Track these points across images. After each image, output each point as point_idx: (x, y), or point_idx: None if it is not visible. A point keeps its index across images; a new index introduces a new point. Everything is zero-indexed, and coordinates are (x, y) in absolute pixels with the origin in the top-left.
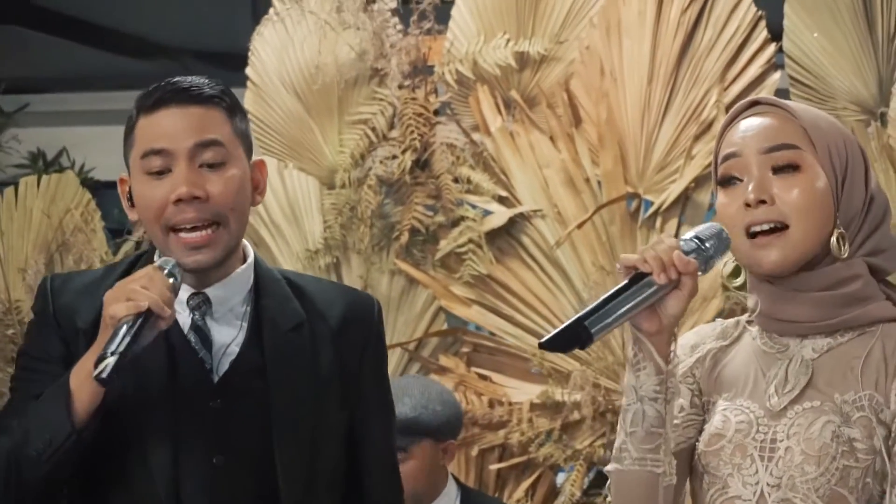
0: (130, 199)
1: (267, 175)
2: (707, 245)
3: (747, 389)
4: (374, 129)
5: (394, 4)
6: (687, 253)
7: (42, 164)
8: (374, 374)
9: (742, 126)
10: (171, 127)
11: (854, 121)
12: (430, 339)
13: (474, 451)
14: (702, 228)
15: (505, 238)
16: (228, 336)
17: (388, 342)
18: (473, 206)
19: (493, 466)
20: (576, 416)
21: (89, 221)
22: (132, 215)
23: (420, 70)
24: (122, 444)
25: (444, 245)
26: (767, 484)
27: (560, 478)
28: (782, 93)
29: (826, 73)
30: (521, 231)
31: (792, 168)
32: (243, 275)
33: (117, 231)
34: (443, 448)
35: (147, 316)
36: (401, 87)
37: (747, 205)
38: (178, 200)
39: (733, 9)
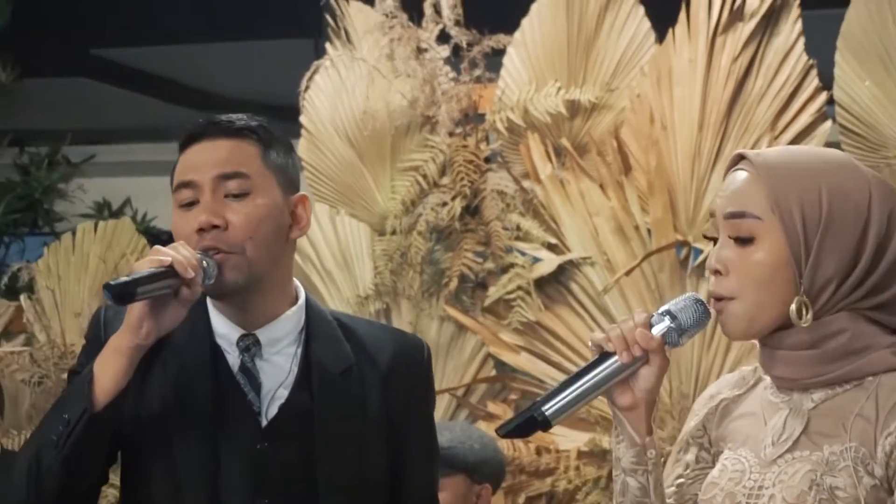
0: None
1: (310, 211)
2: (679, 318)
3: (749, 440)
4: (424, 176)
5: (445, 53)
6: (656, 327)
7: (107, 213)
8: (421, 420)
9: (724, 184)
10: (198, 159)
11: None
12: (478, 386)
13: (521, 499)
14: (677, 300)
15: (554, 285)
16: (277, 379)
17: (436, 387)
18: (523, 253)
19: None
20: None
21: None
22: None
23: (471, 117)
24: (163, 483)
25: (493, 292)
26: None
27: None
28: (833, 144)
29: (877, 121)
30: (570, 278)
31: (746, 240)
32: (293, 316)
33: None
34: (477, 492)
35: (169, 273)
36: (451, 134)
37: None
38: (200, 230)
39: (784, 57)
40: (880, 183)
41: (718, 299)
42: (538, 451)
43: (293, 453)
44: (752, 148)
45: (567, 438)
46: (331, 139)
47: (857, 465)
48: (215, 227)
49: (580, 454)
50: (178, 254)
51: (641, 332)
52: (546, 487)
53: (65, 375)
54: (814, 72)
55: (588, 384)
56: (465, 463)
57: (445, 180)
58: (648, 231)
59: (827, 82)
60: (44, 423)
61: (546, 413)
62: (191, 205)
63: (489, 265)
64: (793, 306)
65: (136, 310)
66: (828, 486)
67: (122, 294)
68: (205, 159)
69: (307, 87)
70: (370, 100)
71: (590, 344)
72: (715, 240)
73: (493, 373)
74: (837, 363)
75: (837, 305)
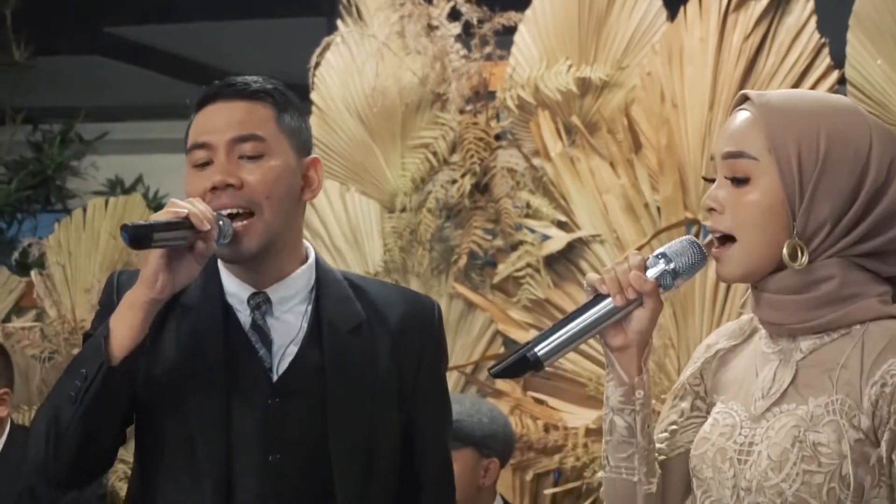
0: None
1: (322, 173)
2: (673, 261)
3: (741, 392)
4: (435, 154)
5: (456, 30)
6: (651, 269)
7: (120, 190)
8: (432, 376)
9: (725, 124)
10: (213, 121)
11: None
12: (486, 363)
13: (529, 476)
14: (672, 243)
15: (563, 262)
16: (288, 336)
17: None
18: (532, 231)
19: (548, 491)
20: None
21: None
22: None
23: (481, 95)
24: (177, 440)
25: (503, 269)
26: (742, 488)
27: None
28: None
29: (889, 100)
30: (580, 256)
31: (742, 180)
32: (303, 275)
33: None
34: (485, 466)
35: (185, 224)
36: (462, 111)
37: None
38: (214, 188)
39: (796, 36)
40: (883, 131)
41: (717, 239)
42: (546, 429)
43: (304, 409)
44: None
45: (575, 416)
46: (341, 116)
47: (842, 419)
48: (230, 185)
49: (588, 431)
50: (195, 207)
51: (636, 275)
52: (554, 464)
53: (75, 351)
54: (825, 50)
55: (580, 326)
56: (473, 436)
57: (455, 158)
58: (658, 209)
59: (839, 61)
60: (61, 381)
61: (538, 354)
62: (205, 165)
63: (498, 242)
64: (785, 248)
65: (151, 264)
66: (811, 443)
67: (138, 236)
68: (220, 120)
69: (318, 64)
70: (381, 77)
71: (584, 285)
72: (714, 181)
73: (502, 350)
74: (824, 309)
75: (829, 251)
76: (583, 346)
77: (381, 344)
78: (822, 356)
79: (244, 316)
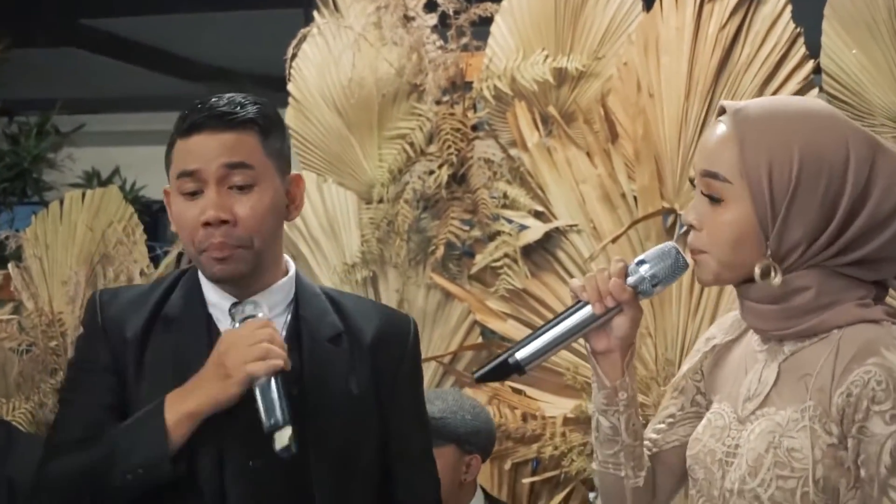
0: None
1: (304, 189)
2: (653, 268)
3: (732, 391)
4: (412, 144)
5: (433, 21)
6: (631, 277)
7: (96, 182)
8: (410, 391)
9: (704, 135)
10: (201, 152)
11: (892, 137)
12: (464, 353)
13: (507, 465)
14: (652, 251)
15: (540, 253)
16: None
17: (423, 355)
18: (509, 221)
19: (526, 480)
20: None
21: (131, 235)
22: (174, 225)
23: (458, 86)
24: None
25: (480, 259)
26: (727, 490)
27: (593, 493)
28: None
29: (864, 89)
30: (557, 246)
31: (716, 199)
32: (284, 287)
33: None
34: (467, 462)
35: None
36: (439, 102)
37: None
38: (207, 224)
39: (771, 26)
40: (860, 140)
41: (693, 251)
42: (524, 418)
43: None
44: None
45: (553, 405)
46: (318, 108)
47: (815, 425)
48: (223, 222)
49: (566, 420)
50: (282, 349)
51: (615, 283)
52: (532, 454)
53: (53, 343)
54: (801, 40)
55: (561, 331)
56: (456, 433)
57: (432, 148)
58: (635, 199)
59: (814, 50)
60: (111, 446)
61: (518, 359)
62: (194, 194)
63: (476, 233)
64: (757, 269)
65: (230, 393)
66: (785, 448)
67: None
68: (208, 152)
69: (294, 56)
70: (357, 68)
71: (569, 290)
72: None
73: (480, 340)
74: (802, 318)
75: (806, 264)
76: None
77: (359, 355)
78: (801, 360)
79: (225, 325)
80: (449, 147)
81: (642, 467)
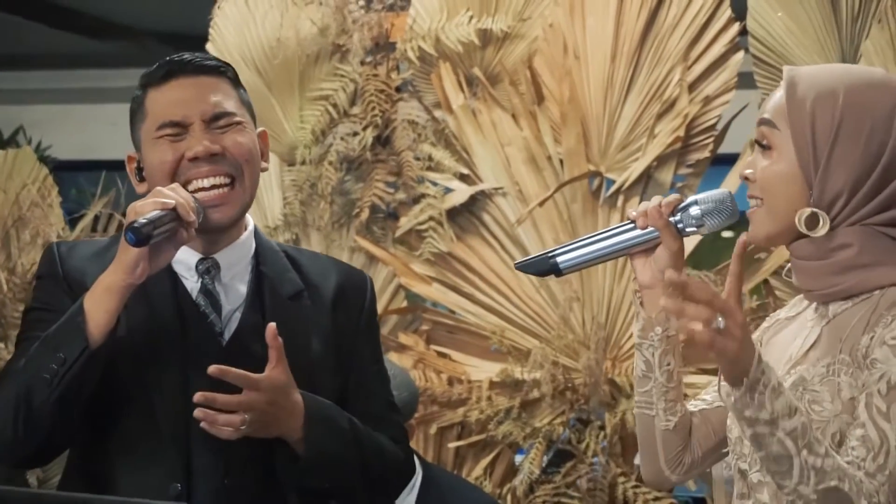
0: (139, 174)
1: (268, 144)
2: (700, 206)
3: (779, 356)
4: (335, 106)
5: None
6: (681, 210)
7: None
8: (370, 345)
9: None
10: (184, 95)
11: None
12: (389, 317)
13: (433, 429)
14: (708, 193)
15: (466, 216)
16: (234, 301)
17: None
18: (434, 184)
19: (452, 444)
20: (535, 394)
21: (46, 197)
22: (140, 189)
23: (382, 47)
24: (138, 407)
25: (405, 222)
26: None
27: (519, 456)
28: (746, 75)
29: (789, 52)
30: (482, 209)
31: (767, 147)
32: (247, 241)
33: (74, 211)
34: None
35: (172, 216)
36: (363, 63)
37: None
38: (195, 158)
39: None
40: None
41: (750, 206)
42: (450, 382)
43: (252, 372)
44: (665, 78)
45: (479, 369)
46: (238, 68)
47: (839, 378)
48: (213, 154)
49: (492, 384)
50: (179, 197)
51: (655, 208)
52: (458, 418)
53: None
54: (726, 2)
55: (604, 246)
56: None
57: (356, 110)
58: (561, 161)
59: (740, 13)
60: (30, 361)
61: (559, 261)
62: (177, 136)
63: (401, 196)
64: (798, 216)
65: (132, 252)
66: (806, 401)
67: (144, 236)
68: (191, 95)
69: (215, 16)
70: (279, 27)
71: (626, 217)
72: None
73: (405, 304)
74: (845, 275)
75: (850, 219)
76: (483, 298)
77: (320, 311)
78: (843, 320)
79: (191, 283)
80: (373, 108)
81: (675, 412)
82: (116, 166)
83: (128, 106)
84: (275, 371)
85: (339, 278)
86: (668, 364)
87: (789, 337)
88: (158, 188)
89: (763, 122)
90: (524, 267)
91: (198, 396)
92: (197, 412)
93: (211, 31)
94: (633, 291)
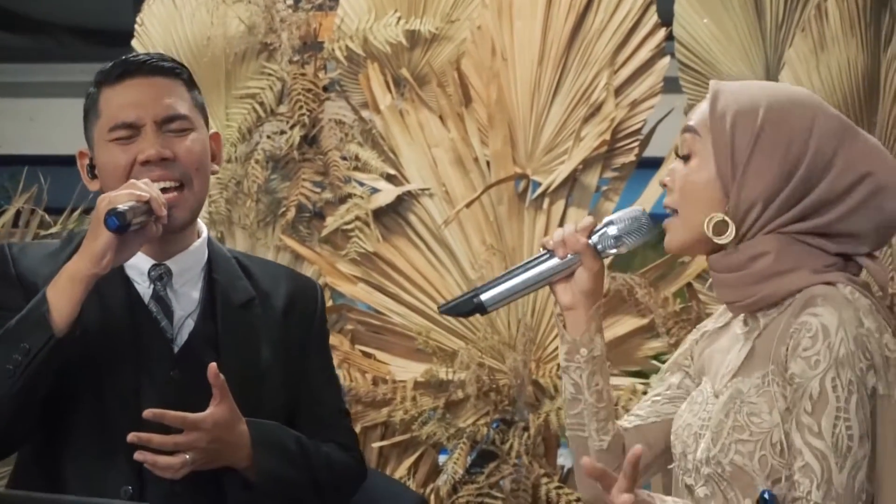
0: (91, 171)
1: (222, 146)
2: (617, 226)
3: (716, 371)
4: (262, 104)
5: None
6: (597, 232)
7: None
8: (321, 353)
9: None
10: (137, 97)
11: None
12: None
13: (357, 429)
14: (625, 210)
15: (392, 216)
16: (187, 308)
17: None
18: (361, 184)
19: (376, 444)
20: (459, 394)
21: None
22: (93, 186)
23: (310, 46)
24: (88, 411)
25: (331, 222)
26: (699, 460)
27: (442, 456)
28: (672, 80)
29: (715, 58)
30: (409, 209)
31: (686, 156)
32: (200, 248)
33: None
34: None
35: (144, 209)
36: (290, 62)
37: None
38: (147, 161)
39: None
40: (830, 116)
41: (667, 215)
42: (375, 382)
43: (202, 381)
44: (592, 82)
45: (404, 369)
46: None
47: (773, 388)
48: (164, 159)
49: (417, 385)
50: (153, 191)
51: (572, 234)
52: (382, 418)
53: None
54: (653, 8)
55: (526, 278)
56: None
57: (283, 109)
58: (487, 163)
59: (667, 18)
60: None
61: (483, 300)
62: (128, 139)
63: (327, 195)
64: (707, 221)
65: (102, 241)
66: (745, 414)
67: (126, 223)
68: (144, 97)
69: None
70: (206, 25)
71: (540, 247)
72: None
73: (330, 303)
74: (762, 284)
75: (765, 228)
76: (409, 299)
77: (271, 319)
78: (771, 331)
79: (143, 288)
80: (301, 108)
81: (607, 431)
82: (37, 161)
83: (47, 101)
84: (219, 408)
85: (289, 286)
86: (597, 384)
87: (723, 351)
88: (133, 181)
89: (687, 129)
90: (449, 310)
91: (131, 437)
92: (137, 455)
93: (137, 28)
94: (556, 315)
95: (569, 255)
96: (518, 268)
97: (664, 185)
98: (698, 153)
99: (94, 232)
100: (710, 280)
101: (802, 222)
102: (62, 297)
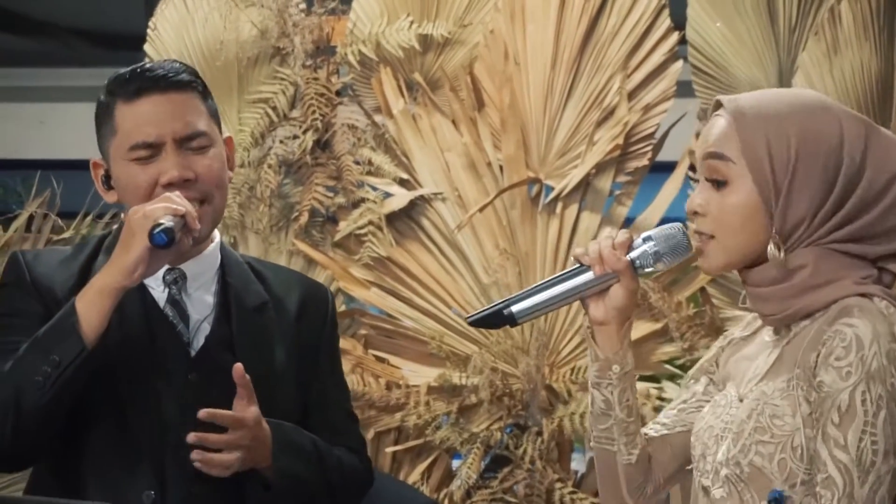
0: (106, 182)
1: (234, 151)
2: (656, 246)
3: (742, 377)
4: (274, 109)
5: None
6: (635, 250)
7: None
8: (331, 359)
9: (706, 126)
10: (156, 115)
11: None
12: None
13: (370, 434)
14: (662, 227)
15: (405, 221)
16: (202, 311)
17: None
18: (374, 188)
19: (389, 449)
20: (473, 399)
21: None
22: (109, 198)
23: (323, 50)
24: (109, 418)
25: (344, 226)
26: (719, 462)
27: (456, 461)
28: (685, 84)
29: (728, 62)
30: (422, 214)
31: (721, 182)
32: (213, 252)
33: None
34: None
35: (180, 224)
36: (303, 66)
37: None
38: (169, 184)
39: None
40: (852, 120)
41: (700, 239)
42: (388, 387)
43: (220, 383)
44: (605, 86)
45: (417, 374)
46: None
47: (798, 392)
48: (186, 180)
49: (430, 389)
50: (187, 205)
51: (611, 252)
52: (395, 423)
53: None
54: (666, 11)
55: (559, 292)
56: None
57: (296, 113)
58: (500, 168)
59: (679, 22)
60: (19, 362)
61: (514, 311)
62: (149, 158)
63: (340, 200)
64: (770, 247)
65: (135, 253)
66: (767, 415)
67: (171, 240)
68: (163, 115)
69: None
70: (219, 29)
71: (571, 258)
72: (697, 180)
73: (343, 308)
74: (800, 297)
75: (806, 242)
76: (422, 303)
77: (284, 323)
78: (801, 338)
79: (158, 292)
80: (313, 112)
81: (636, 445)
82: (48, 165)
83: (57, 105)
84: (252, 407)
85: (301, 291)
86: (628, 400)
87: (749, 358)
88: (167, 194)
89: (713, 155)
90: (477, 322)
91: (191, 437)
92: (194, 454)
93: (150, 32)
94: (585, 328)
95: (607, 271)
96: (550, 280)
97: (695, 213)
98: (735, 179)
99: (127, 244)
100: (744, 293)
101: (841, 230)
102: (92, 309)
